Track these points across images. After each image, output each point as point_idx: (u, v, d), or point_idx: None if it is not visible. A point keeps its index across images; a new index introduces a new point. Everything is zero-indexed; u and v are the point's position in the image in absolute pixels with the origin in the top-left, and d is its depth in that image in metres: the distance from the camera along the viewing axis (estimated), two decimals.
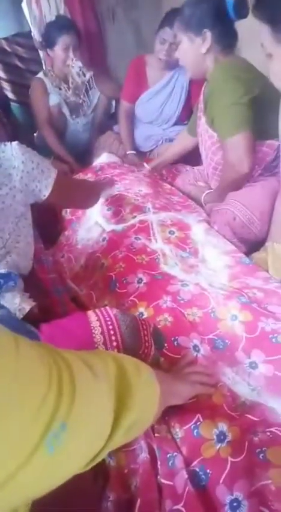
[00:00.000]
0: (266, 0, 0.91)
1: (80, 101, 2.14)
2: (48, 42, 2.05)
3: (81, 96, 2.14)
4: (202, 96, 1.44)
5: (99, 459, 0.43)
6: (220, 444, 0.70)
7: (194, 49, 1.30)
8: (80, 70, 2.06)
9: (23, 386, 0.32)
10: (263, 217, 1.23)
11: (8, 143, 0.87)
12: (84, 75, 2.08)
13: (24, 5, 2.46)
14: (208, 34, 1.25)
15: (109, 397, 0.44)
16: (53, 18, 2.20)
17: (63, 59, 2.01)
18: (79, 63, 2.05)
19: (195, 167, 1.78)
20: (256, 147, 1.26)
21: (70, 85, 2.09)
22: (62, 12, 2.28)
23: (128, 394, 0.47)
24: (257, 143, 1.26)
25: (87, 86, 2.14)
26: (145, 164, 1.87)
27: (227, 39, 1.27)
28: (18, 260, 0.88)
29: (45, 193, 0.92)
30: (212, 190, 1.53)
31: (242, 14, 1.21)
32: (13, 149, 0.85)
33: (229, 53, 1.30)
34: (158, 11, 2.34)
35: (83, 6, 2.29)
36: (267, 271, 1.09)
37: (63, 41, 1.96)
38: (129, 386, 0.48)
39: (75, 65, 2.05)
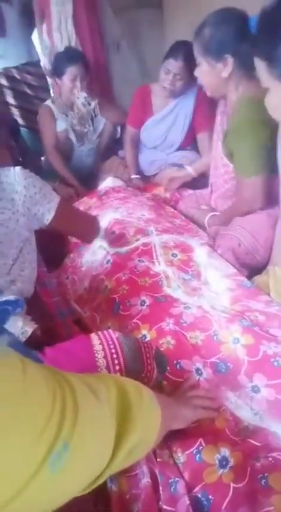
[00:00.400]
0: (262, 38, 0.95)
1: (86, 130, 2.21)
2: (57, 71, 2.13)
3: (87, 126, 2.21)
4: (219, 123, 1.44)
5: (100, 481, 0.43)
6: (222, 469, 0.70)
7: (214, 74, 1.26)
8: (85, 100, 2.14)
9: (28, 407, 0.33)
10: (267, 244, 1.24)
11: (12, 168, 0.89)
12: (90, 105, 2.16)
13: (34, 35, 2.59)
14: (230, 60, 1.20)
15: (111, 420, 0.45)
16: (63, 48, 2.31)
17: (70, 88, 2.09)
18: (84, 94, 2.12)
19: (197, 190, 1.82)
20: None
21: (76, 115, 2.17)
22: (73, 43, 2.39)
23: (130, 417, 0.48)
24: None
25: (93, 114, 2.22)
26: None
27: (250, 62, 1.20)
28: (23, 287, 0.90)
29: (48, 217, 0.94)
30: (216, 213, 1.56)
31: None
32: (16, 174, 0.88)
33: (252, 76, 1.21)
34: (162, 42, 2.45)
35: (93, 38, 2.40)
36: (268, 294, 1.10)
37: (71, 71, 2.05)
38: (130, 409, 0.48)
39: (81, 96, 2.12)
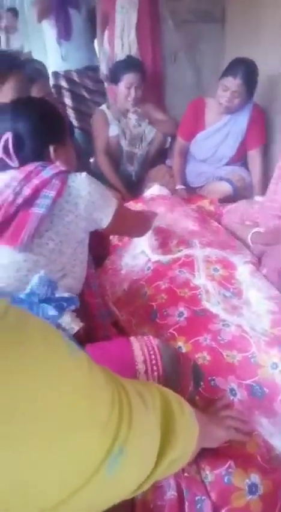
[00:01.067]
0: None
1: (136, 151, 2.27)
2: (115, 77, 2.20)
3: (137, 146, 2.26)
4: None
5: (142, 489, 0.44)
6: (251, 496, 0.68)
7: None
8: (136, 122, 2.20)
9: (92, 405, 0.34)
10: None
11: (78, 174, 0.93)
12: (140, 126, 2.21)
13: (95, 42, 2.67)
14: None
15: (157, 428, 0.45)
16: (124, 57, 2.37)
17: (126, 94, 2.14)
18: (135, 116, 2.18)
19: (242, 203, 1.79)
20: None
21: (127, 136, 2.22)
22: (134, 51, 2.45)
23: (172, 429, 0.48)
24: None
25: (143, 135, 2.26)
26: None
27: None
28: (73, 283, 0.93)
29: (106, 222, 0.97)
30: (260, 230, 1.54)
31: None
32: (82, 179, 0.92)
33: None
34: (219, 57, 2.46)
35: (153, 48, 2.45)
36: None
37: (127, 78, 2.10)
38: (173, 422, 0.49)
39: (132, 118, 2.18)
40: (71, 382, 0.33)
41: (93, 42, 2.69)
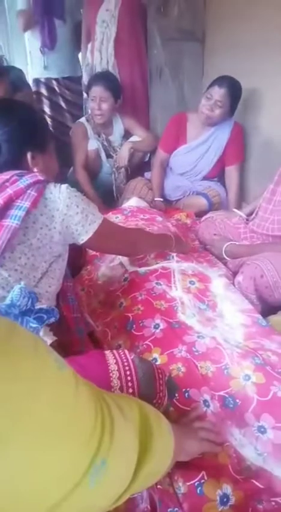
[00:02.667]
0: None
1: (115, 164, 2.32)
2: (87, 93, 2.23)
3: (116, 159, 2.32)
4: None
5: (121, 502, 0.44)
6: (222, 506, 0.69)
7: None
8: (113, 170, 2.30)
9: (78, 419, 0.34)
10: None
11: (58, 185, 0.89)
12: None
13: (80, 54, 2.70)
14: None
15: (135, 440, 0.45)
16: (102, 68, 2.40)
17: (92, 109, 2.18)
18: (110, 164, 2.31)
19: (217, 215, 1.84)
20: None
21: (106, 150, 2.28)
22: (111, 64, 2.48)
23: (150, 441, 0.48)
24: None
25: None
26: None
27: None
28: (45, 303, 0.89)
29: (84, 238, 0.93)
30: (234, 243, 1.58)
31: None
32: (60, 192, 0.88)
33: None
34: (200, 75, 2.54)
35: (132, 62, 2.48)
36: None
37: (92, 92, 2.14)
38: (151, 435, 0.49)
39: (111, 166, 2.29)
40: (57, 396, 0.33)
41: (77, 53, 2.72)
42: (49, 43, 2.45)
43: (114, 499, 0.42)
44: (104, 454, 0.36)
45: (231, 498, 0.70)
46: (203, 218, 1.86)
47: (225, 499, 0.70)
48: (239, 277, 1.31)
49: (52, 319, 0.54)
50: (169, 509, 0.70)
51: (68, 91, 2.65)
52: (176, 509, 0.70)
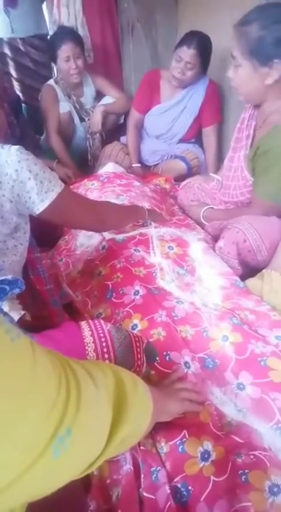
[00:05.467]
0: None
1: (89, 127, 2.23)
2: (52, 55, 2.08)
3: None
4: (245, 127, 1.39)
5: (93, 468, 0.44)
6: (203, 462, 0.71)
7: (256, 79, 1.14)
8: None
9: (37, 390, 0.33)
10: (272, 248, 1.23)
11: (7, 147, 0.79)
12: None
13: (44, 7, 2.51)
14: (278, 66, 1.08)
15: (108, 408, 0.45)
16: (70, 25, 2.25)
17: (67, 69, 2.04)
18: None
19: (196, 180, 1.81)
20: None
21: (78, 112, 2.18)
22: (79, 21, 2.33)
23: (124, 407, 0.48)
24: None
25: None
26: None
27: None
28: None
29: (40, 207, 0.83)
30: (212, 207, 1.56)
31: None
32: (9, 155, 0.78)
33: None
34: (174, 30, 2.42)
35: (102, 17, 2.34)
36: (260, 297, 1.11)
37: (63, 52, 2.00)
38: (126, 399, 0.49)
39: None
40: (11, 368, 0.31)
41: (41, 9, 2.53)
42: (11, 0, 2.26)
43: (84, 466, 0.42)
44: (69, 424, 0.35)
45: (212, 454, 0.72)
46: (182, 185, 1.82)
47: (206, 455, 0.72)
48: (220, 243, 1.27)
49: (17, 290, 0.51)
50: (151, 469, 0.72)
51: (35, 50, 2.46)
52: (159, 468, 0.72)
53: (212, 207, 1.57)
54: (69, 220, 0.99)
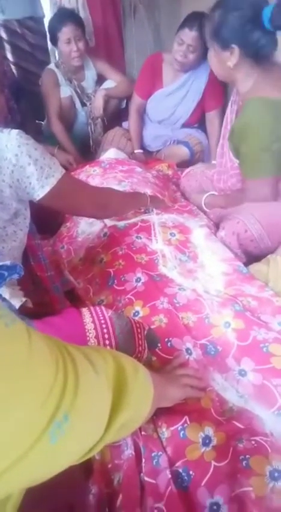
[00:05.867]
0: None
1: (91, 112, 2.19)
2: (53, 38, 2.04)
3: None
4: (229, 111, 1.39)
5: (93, 453, 0.44)
6: (204, 448, 0.71)
7: (220, 61, 1.20)
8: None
9: (32, 376, 0.33)
10: (274, 237, 1.22)
11: (7, 131, 0.78)
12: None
13: None
14: (236, 50, 1.13)
15: (107, 393, 0.45)
16: (71, 7, 2.20)
17: (68, 52, 2.00)
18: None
19: (199, 167, 1.78)
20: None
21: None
22: (81, 3, 2.27)
23: (124, 392, 0.48)
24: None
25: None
26: None
27: (260, 52, 1.13)
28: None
29: (40, 193, 0.82)
30: (213, 193, 1.54)
31: (278, 25, 1.06)
32: (9, 139, 0.76)
33: (267, 66, 1.17)
34: (178, 13, 2.35)
35: (108, 1, 2.28)
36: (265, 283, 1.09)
37: (64, 34, 1.96)
38: (126, 385, 0.49)
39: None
40: (6, 354, 0.31)
41: None
42: None
43: (83, 452, 0.42)
44: (66, 410, 0.35)
45: (213, 439, 0.72)
46: (184, 173, 1.79)
47: (207, 441, 0.72)
48: (222, 233, 1.27)
49: (15, 276, 0.50)
50: (153, 454, 0.72)
51: (31, 32, 2.38)
52: (160, 453, 0.72)
53: (213, 194, 1.55)
54: (70, 206, 0.97)
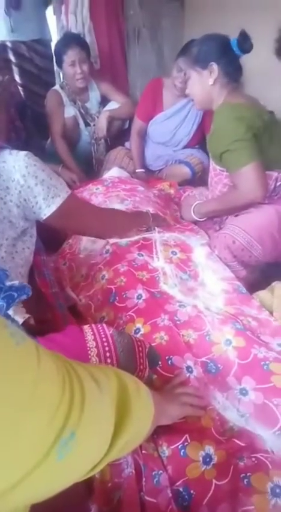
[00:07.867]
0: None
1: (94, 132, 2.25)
2: (59, 61, 2.12)
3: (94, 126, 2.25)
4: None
5: (97, 470, 0.44)
6: (205, 466, 0.71)
7: (202, 81, 1.39)
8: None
9: (41, 393, 0.34)
10: (263, 242, 1.28)
11: (15, 152, 0.80)
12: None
13: (50, 13, 2.53)
14: (215, 66, 1.34)
15: (111, 410, 0.45)
16: (78, 31, 2.28)
17: (72, 74, 2.07)
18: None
19: (199, 189, 1.82)
20: None
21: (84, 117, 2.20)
22: (87, 27, 2.36)
23: (128, 411, 0.48)
24: None
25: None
26: None
27: (232, 72, 1.36)
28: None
29: (46, 213, 0.85)
30: (201, 202, 1.57)
31: (245, 49, 1.32)
32: (17, 160, 0.79)
33: (235, 86, 1.39)
34: (180, 36, 2.44)
35: (109, 23, 2.37)
36: (270, 312, 1.08)
37: (68, 56, 2.03)
38: (129, 403, 0.49)
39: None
40: (16, 372, 0.32)
41: (44, 13, 2.55)
42: (15, 2, 2.28)
43: (87, 469, 0.42)
44: (73, 427, 0.35)
45: (213, 457, 0.72)
46: (183, 197, 1.83)
47: (208, 459, 0.72)
48: (215, 252, 1.33)
49: (24, 297, 0.51)
50: (153, 472, 0.72)
51: (38, 56, 2.47)
52: (160, 471, 0.72)
53: (200, 202, 1.56)
54: (75, 226, 1.00)
